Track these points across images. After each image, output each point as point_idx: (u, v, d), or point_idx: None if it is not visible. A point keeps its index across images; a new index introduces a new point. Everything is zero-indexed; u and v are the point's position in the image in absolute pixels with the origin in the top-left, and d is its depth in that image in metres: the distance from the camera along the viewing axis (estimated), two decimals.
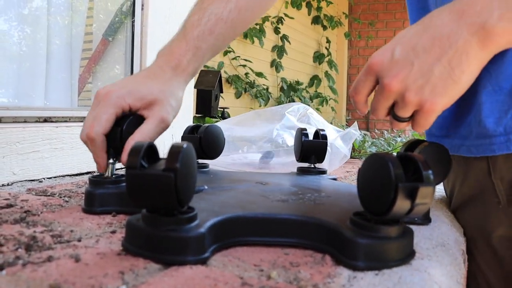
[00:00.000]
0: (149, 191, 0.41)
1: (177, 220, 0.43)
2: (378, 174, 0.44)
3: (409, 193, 0.42)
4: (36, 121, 0.95)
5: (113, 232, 0.52)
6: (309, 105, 1.78)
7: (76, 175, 1.01)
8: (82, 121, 1.06)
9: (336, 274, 0.43)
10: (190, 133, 0.83)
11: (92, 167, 0.97)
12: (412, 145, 0.65)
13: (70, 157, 1.00)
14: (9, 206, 0.61)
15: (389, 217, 0.44)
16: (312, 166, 0.83)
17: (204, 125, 0.82)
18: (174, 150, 0.42)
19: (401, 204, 0.42)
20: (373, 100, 0.55)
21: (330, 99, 4.79)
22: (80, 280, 0.38)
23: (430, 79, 0.48)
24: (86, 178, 1.00)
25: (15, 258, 0.42)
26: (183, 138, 0.82)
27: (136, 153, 0.42)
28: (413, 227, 0.53)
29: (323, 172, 0.82)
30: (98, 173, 0.63)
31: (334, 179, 0.82)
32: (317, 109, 4.64)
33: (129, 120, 0.60)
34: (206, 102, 2.23)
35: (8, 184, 0.85)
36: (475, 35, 0.47)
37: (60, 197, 0.68)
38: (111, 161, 0.61)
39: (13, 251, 0.44)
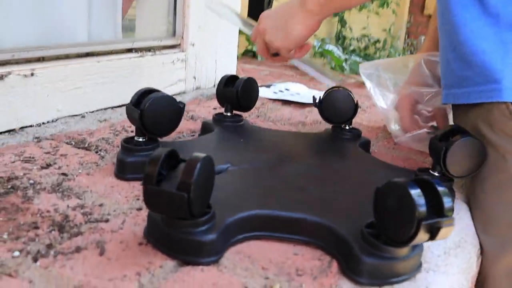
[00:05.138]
0: (164, 204, 0.44)
1: (193, 223, 0.46)
2: (399, 204, 0.43)
3: (430, 230, 0.43)
4: (78, 57, 0.96)
5: (139, 209, 0.56)
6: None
7: (118, 106, 1.05)
8: (124, 53, 1.07)
9: None
10: (225, 85, 0.83)
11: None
12: (448, 133, 0.64)
13: (111, 91, 1.02)
14: (48, 165, 0.65)
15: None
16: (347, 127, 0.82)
17: (241, 78, 0.82)
18: (190, 165, 0.43)
19: (421, 238, 0.43)
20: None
21: (391, 1, 4.48)
22: (101, 282, 0.42)
23: (278, 34, 0.79)
24: None
25: (48, 246, 0.46)
26: (218, 91, 0.82)
27: (154, 164, 0.44)
28: None
29: (358, 135, 0.81)
30: (130, 139, 0.65)
31: (367, 143, 0.82)
32: (376, 13, 4.39)
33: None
34: (258, 7, 2.25)
35: (53, 121, 0.90)
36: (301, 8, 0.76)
37: (96, 152, 0.72)
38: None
39: (47, 234, 0.49)
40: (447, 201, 0.43)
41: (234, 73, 1.44)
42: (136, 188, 0.61)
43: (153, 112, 0.63)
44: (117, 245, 0.48)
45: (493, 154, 0.66)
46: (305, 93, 1.29)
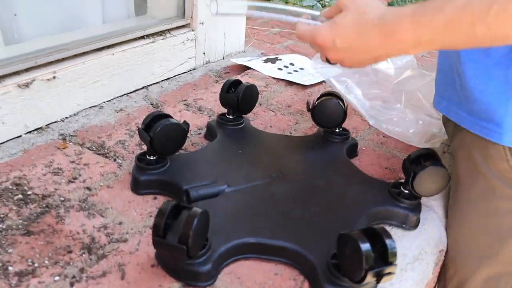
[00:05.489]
0: (168, 252, 0.56)
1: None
2: (353, 253, 0.54)
3: (376, 275, 0.54)
4: (95, 51, 1.04)
5: (151, 228, 0.68)
6: None
7: (132, 92, 1.15)
8: (137, 41, 1.14)
9: None
10: (227, 91, 0.91)
11: (145, 81, 1.10)
12: (420, 157, 0.73)
13: (126, 79, 1.12)
14: (74, 179, 0.77)
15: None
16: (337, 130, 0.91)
17: (242, 85, 0.90)
18: (189, 221, 0.54)
19: (368, 281, 0.54)
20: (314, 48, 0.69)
21: None
22: None
23: (353, 63, 0.64)
24: (141, 95, 1.13)
25: (81, 271, 0.59)
26: (221, 96, 0.91)
27: (161, 217, 0.55)
28: (398, 233, 0.67)
29: (346, 138, 0.91)
30: (143, 156, 0.76)
31: (355, 145, 0.91)
32: None
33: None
34: None
35: (74, 114, 1.01)
36: (386, 37, 0.59)
37: (115, 160, 0.84)
38: None
39: (79, 257, 0.62)
40: (391, 252, 0.54)
41: (243, 41, 1.50)
42: (148, 203, 0.73)
43: (161, 138, 0.73)
44: (135, 268, 0.61)
45: (483, 182, 0.73)
46: (308, 67, 1.35)
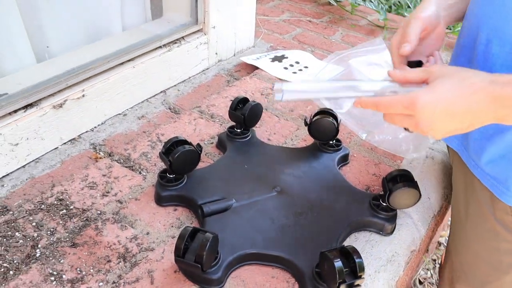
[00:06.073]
0: (187, 268, 0.71)
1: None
2: (329, 269, 0.69)
3: (348, 286, 0.69)
4: (117, 66, 1.17)
5: (173, 237, 0.84)
6: None
7: (152, 97, 1.28)
8: (154, 51, 1.26)
9: None
10: (235, 108, 1.04)
11: (162, 86, 1.23)
12: (396, 177, 0.87)
13: (145, 87, 1.25)
14: (107, 193, 0.93)
15: None
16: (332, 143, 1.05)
17: (248, 104, 1.03)
18: (202, 244, 0.70)
19: None
20: (394, 118, 0.67)
21: None
22: None
23: (449, 132, 0.64)
24: (160, 99, 1.27)
25: (119, 277, 0.76)
26: (230, 112, 1.05)
27: (181, 240, 0.71)
28: (376, 238, 0.83)
29: (339, 149, 1.04)
30: (164, 174, 0.91)
31: (346, 155, 1.05)
32: None
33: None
34: None
35: (102, 124, 1.16)
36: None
37: (140, 173, 0.99)
38: None
39: (117, 265, 0.78)
40: (360, 267, 0.69)
41: (253, 37, 1.61)
42: (170, 215, 0.89)
43: (179, 161, 0.87)
44: (161, 273, 0.77)
45: (488, 224, 0.84)
46: (313, 65, 1.47)
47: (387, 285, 0.82)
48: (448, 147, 1.00)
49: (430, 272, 2.03)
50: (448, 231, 1.20)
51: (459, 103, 0.60)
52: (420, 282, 1.97)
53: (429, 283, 1.99)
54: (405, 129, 0.68)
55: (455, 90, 0.61)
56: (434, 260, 2.09)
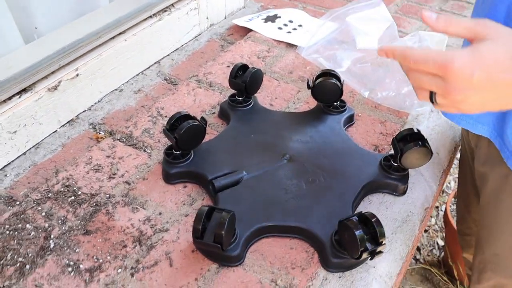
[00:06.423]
0: (207, 249, 0.71)
1: None
2: (350, 237, 0.69)
3: (370, 253, 0.69)
4: (108, 41, 1.13)
5: (186, 215, 0.83)
6: None
7: (146, 69, 1.24)
8: (145, 21, 1.21)
9: (315, 276, 0.74)
10: (235, 76, 1.01)
11: (156, 57, 1.19)
12: (407, 136, 0.85)
13: (139, 59, 1.21)
14: (114, 174, 0.91)
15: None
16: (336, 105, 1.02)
17: (248, 71, 1.00)
18: (220, 224, 0.69)
19: (364, 258, 0.69)
20: (422, 78, 0.57)
21: None
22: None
23: (484, 106, 0.55)
24: (155, 71, 1.23)
25: (137, 262, 0.75)
26: (230, 81, 1.01)
27: (198, 221, 0.70)
28: (389, 199, 0.83)
29: (343, 110, 1.02)
30: (169, 151, 0.89)
31: (352, 116, 1.03)
32: None
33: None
34: None
35: (99, 101, 1.12)
36: None
37: (144, 151, 0.96)
38: None
39: (133, 250, 0.77)
40: (380, 234, 0.69)
41: (242, 0, 1.55)
42: (180, 193, 0.88)
43: (184, 137, 0.85)
44: (179, 254, 0.77)
45: None
46: (307, 23, 1.42)
47: (404, 245, 0.83)
48: (463, 130, 0.96)
49: (434, 219, 2.06)
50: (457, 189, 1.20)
51: (506, 74, 0.51)
52: (425, 230, 2.00)
53: (434, 230, 2.03)
54: (431, 100, 0.58)
55: (504, 58, 0.51)
56: (437, 207, 2.12)
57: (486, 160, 0.90)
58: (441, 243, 1.98)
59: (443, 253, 1.91)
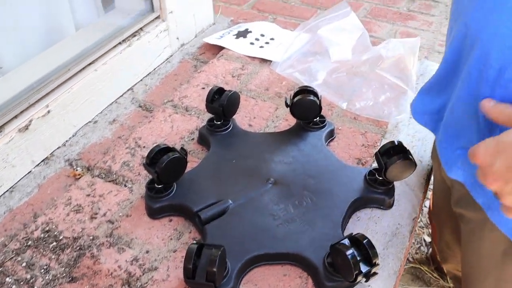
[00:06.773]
0: (199, 286, 0.69)
1: None
2: (343, 261, 0.68)
3: (365, 275, 0.68)
4: (78, 73, 1.10)
5: (174, 251, 0.81)
6: None
7: (120, 97, 1.22)
8: (114, 48, 1.18)
9: None
10: (211, 100, 0.99)
11: (128, 84, 1.16)
12: (390, 149, 0.85)
13: (111, 87, 1.18)
14: (95, 214, 0.88)
15: None
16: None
17: (225, 94, 0.98)
18: (211, 261, 0.67)
19: (359, 281, 0.68)
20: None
21: None
22: None
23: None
24: (128, 98, 1.21)
25: None
26: (207, 105, 1.00)
27: (188, 260, 0.68)
28: (377, 214, 0.83)
29: (323, 126, 1.01)
30: (151, 185, 0.87)
31: (332, 131, 1.02)
32: None
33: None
34: None
35: (73, 136, 1.09)
36: None
37: (125, 186, 0.94)
38: None
39: None
40: (373, 255, 0.68)
41: (212, 14, 1.53)
42: (166, 227, 0.85)
43: (166, 171, 0.83)
44: None
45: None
46: (278, 36, 1.41)
47: (396, 259, 0.82)
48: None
49: (419, 216, 2.07)
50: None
51: None
52: None
53: (419, 227, 2.04)
54: None
55: None
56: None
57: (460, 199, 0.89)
58: (428, 239, 1.99)
59: (430, 250, 1.92)
